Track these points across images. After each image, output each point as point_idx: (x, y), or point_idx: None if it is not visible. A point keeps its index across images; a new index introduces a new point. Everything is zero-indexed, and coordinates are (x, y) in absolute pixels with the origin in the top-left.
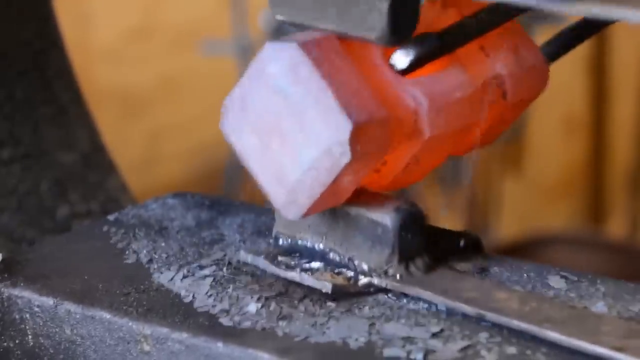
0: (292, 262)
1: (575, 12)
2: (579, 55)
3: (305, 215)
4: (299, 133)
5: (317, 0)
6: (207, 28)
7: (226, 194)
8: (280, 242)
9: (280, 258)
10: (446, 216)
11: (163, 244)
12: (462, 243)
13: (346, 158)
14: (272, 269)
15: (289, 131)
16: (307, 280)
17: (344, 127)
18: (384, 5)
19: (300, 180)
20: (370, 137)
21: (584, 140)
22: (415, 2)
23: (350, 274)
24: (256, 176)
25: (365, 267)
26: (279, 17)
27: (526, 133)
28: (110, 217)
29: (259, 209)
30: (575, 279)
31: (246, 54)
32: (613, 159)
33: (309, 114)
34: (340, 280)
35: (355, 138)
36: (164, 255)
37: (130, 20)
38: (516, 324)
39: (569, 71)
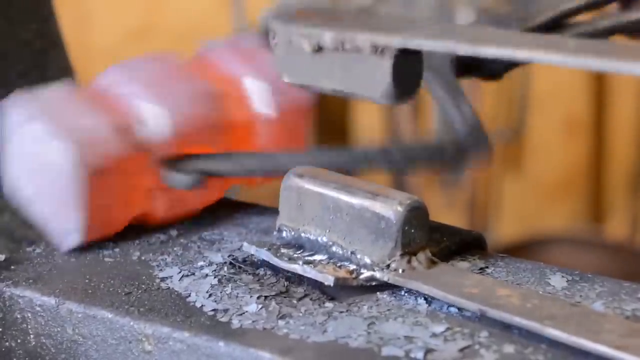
0: (295, 255)
1: None
2: None
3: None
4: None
5: (322, 62)
6: (207, 28)
7: (226, 193)
8: (284, 234)
9: (283, 250)
10: (446, 215)
11: (164, 244)
12: (464, 240)
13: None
14: (275, 260)
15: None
16: (310, 272)
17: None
18: (387, 65)
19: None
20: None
21: (584, 140)
22: (418, 61)
23: (353, 267)
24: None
25: (367, 260)
26: (287, 79)
27: (526, 133)
28: None
29: (259, 208)
30: (574, 278)
31: None
32: (613, 159)
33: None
34: (342, 273)
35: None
36: (165, 255)
37: (131, 21)
38: (517, 320)
39: (569, 71)
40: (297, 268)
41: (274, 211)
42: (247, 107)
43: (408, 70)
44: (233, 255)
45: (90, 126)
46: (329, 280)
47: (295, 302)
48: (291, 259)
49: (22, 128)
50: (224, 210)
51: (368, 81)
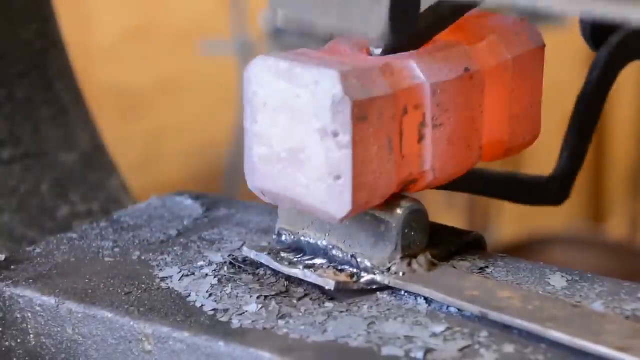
0: (295, 259)
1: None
2: (579, 55)
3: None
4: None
5: None
6: (207, 28)
7: (226, 193)
8: (284, 238)
9: (283, 254)
10: (446, 216)
11: (164, 244)
12: (464, 241)
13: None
14: (275, 265)
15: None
16: (310, 277)
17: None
18: (384, 5)
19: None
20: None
21: None
22: (415, 3)
23: (353, 271)
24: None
25: (368, 264)
26: (280, 12)
27: None
28: (111, 217)
29: (259, 208)
30: (574, 278)
31: (246, 53)
32: (613, 159)
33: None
34: (343, 277)
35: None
36: (165, 255)
37: (130, 20)
38: (519, 323)
39: (569, 71)
40: (298, 272)
41: (274, 211)
42: (489, 55)
43: (405, 10)
44: (233, 255)
45: (354, 63)
46: (330, 284)
47: (295, 302)
48: (291, 264)
49: (275, 82)
50: (224, 210)
51: (365, 21)
